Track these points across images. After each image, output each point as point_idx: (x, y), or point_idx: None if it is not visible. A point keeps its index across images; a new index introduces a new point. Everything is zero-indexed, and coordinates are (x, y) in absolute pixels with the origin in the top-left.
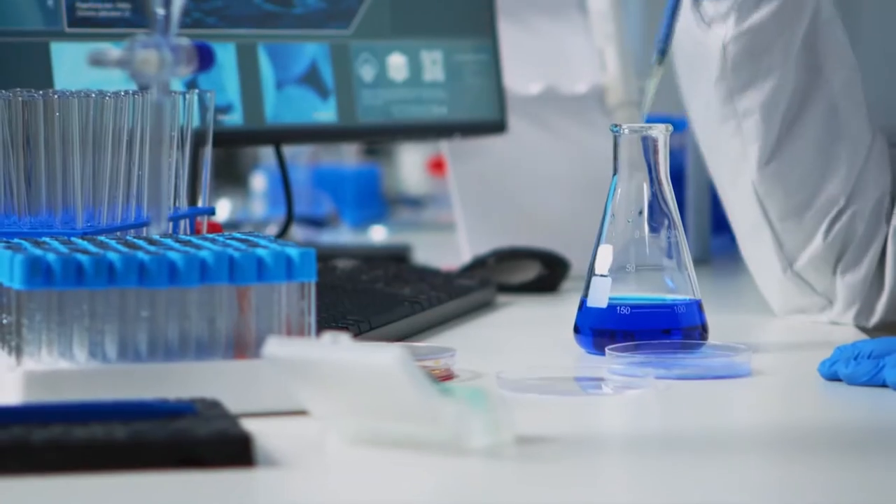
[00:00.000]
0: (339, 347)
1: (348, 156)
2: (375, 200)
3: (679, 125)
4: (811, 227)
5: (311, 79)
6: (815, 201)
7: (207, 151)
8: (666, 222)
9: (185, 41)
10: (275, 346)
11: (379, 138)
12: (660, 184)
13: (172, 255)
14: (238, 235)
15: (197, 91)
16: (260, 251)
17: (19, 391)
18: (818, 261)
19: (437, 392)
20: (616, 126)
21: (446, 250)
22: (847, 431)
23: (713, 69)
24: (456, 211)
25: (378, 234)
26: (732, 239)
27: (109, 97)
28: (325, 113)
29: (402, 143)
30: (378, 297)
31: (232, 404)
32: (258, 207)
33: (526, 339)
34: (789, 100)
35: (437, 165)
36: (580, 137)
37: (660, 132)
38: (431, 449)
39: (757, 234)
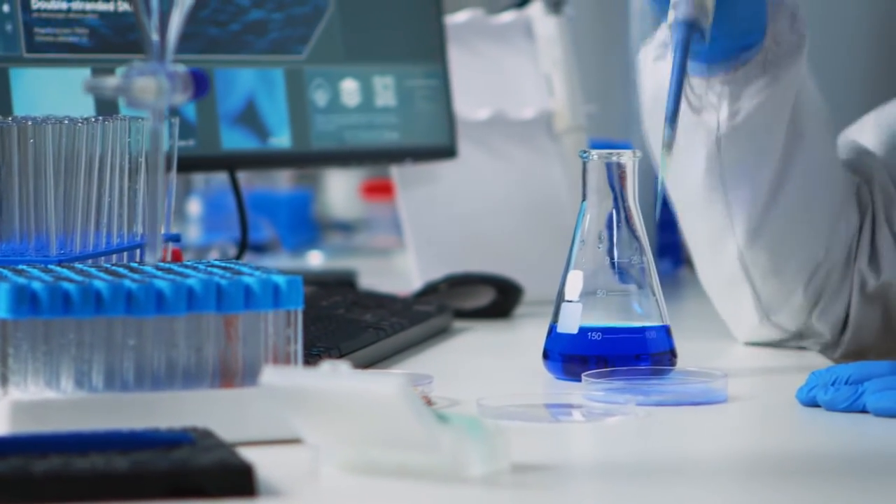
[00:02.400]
0: (338, 376)
1: (281, 180)
2: (308, 225)
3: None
4: (793, 284)
5: (248, 117)
6: (798, 260)
7: (172, 177)
8: (635, 247)
9: (181, 68)
10: (272, 375)
11: (332, 164)
12: (628, 210)
13: (159, 283)
14: (217, 262)
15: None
16: (247, 279)
17: (6, 421)
18: (796, 311)
19: (437, 421)
20: (585, 152)
21: (390, 275)
22: (830, 458)
23: (700, 151)
24: (406, 236)
25: (315, 260)
26: (674, 263)
27: (81, 123)
28: (280, 139)
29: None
30: (341, 323)
31: (219, 433)
32: (194, 233)
33: (492, 365)
34: (775, 167)
35: (370, 190)
36: (528, 162)
37: (627, 158)
38: (429, 478)
39: (735, 291)
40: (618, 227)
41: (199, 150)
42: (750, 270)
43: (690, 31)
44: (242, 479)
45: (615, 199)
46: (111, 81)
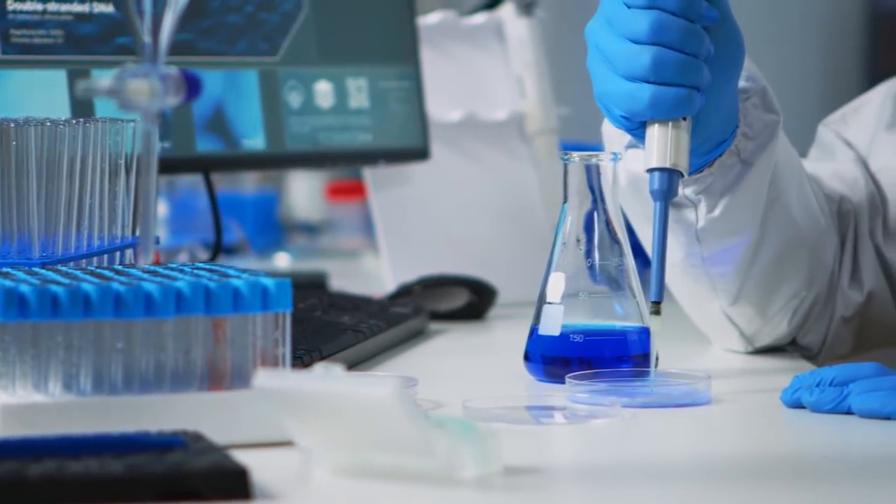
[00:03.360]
0: (332, 379)
1: (246, 181)
2: (274, 227)
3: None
4: (778, 321)
5: (216, 125)
6: (782, 301)
7: (152, 180)
8: (615, 249)
9: (173, 70)
10: (265, 378)
11: (306, 166)
12: (608, 212)
13: (148, 285)
14: (202, 265)
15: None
16: (235, 281)
17: None
18: (782, 338)
19: (432, 424)
20: (566, 154)
21: (359, 277)
22: (815, 460)
23: (680, 240)
24: (378, 238)
25: (283, 261)
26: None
27: (63, 125)
28: (254, 140)
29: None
30: (320, 325)
31: (208, 436)
32: (160, 234)
33: (472, 367)
34: (755, 238)
35: (335, 192)
36: (500, 164)
37: (608, 160)
38: (422, 480)
39: (723, 332)
40: (598, 228)
41: (173, 153)
42: (735, 319)
43: (671, 180)
44: (238, 482)
45: (595, 201)
46: (104, 83)
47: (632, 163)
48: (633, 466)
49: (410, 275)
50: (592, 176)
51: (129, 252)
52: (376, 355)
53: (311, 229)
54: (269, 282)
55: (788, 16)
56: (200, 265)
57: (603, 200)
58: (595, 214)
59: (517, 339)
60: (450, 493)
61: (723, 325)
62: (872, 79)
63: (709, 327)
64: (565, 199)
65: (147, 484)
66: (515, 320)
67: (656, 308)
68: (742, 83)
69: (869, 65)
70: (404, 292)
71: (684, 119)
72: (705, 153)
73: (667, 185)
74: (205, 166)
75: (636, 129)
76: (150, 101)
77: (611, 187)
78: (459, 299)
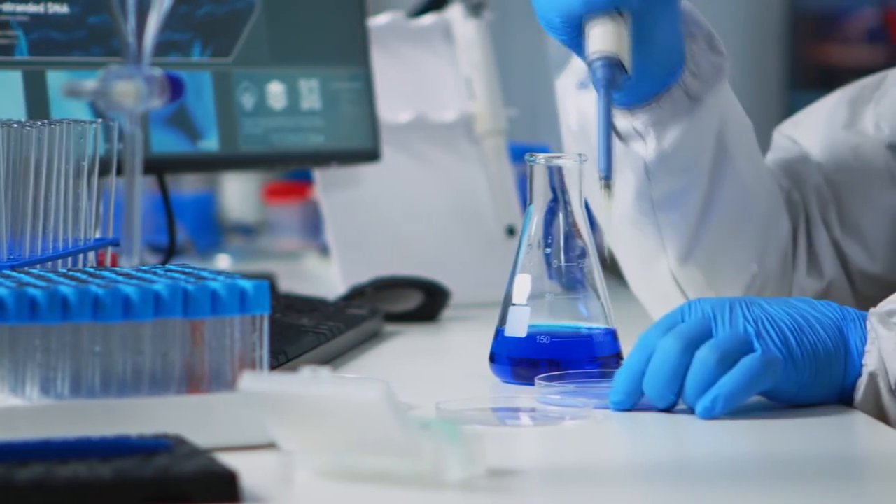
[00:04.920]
0: (319, 382)
1: (184, 182)
2: (212, 228)
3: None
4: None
5: (178, 120)
6: (732, 274)
7: (111, 181)
8: (580, 251)
9: (157, 72)
10: (251, 381)
11: (259, 167)
12: (573, 213)
13: (126, 288)
14: (174, 267)
15: (101, 120)
16: (213, 284)
17: None
18: None
19: (419, 426)
20: (532, 156)
21: (303, 279)
22: (790, 459)
23: (631, 181)
24: (329, 240)
25: (224, 263)
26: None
27: (29, 127)
28: (208, 142)
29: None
30: (280, 327)
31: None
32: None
33: (435, 368)
34: (703, 188)
35: (273, 192)
36: (449, 165)
37: (572, 162)
38: (407, 483)
39: (667, 301)
40: (563, 230)
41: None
42: (684, 288)
43: (612, 68)
44: (227, 485)
45: (560, 202)
46: (90, 85)
47: (583, 104)
48: (615, 467)
49: (361, 276)
50: (557, 177)
51: (90, 255)
52: (336, 357)
53: (247, 230)
54: (246, 284)
55: (709, 15)
56: (172, 267)
57: (567, 202)
58: (560, 216)
59: (474, 340)
60: (435, 495)
61: (668, 292)
62: (794, 79)
63: (653, 297)
64: (530, 201)
65: (136, 488)
66: (469, 321)
67: (607, 183)
68: (687, 28)
69: (790, 64)
70: (356, 294)
71: (621, 15)
72: (653, 81)
73: (609, 74)
74: (159, 168)
75: (576, 37)
76: (136, 102)
77: (576, 189)
78: (412, 301)
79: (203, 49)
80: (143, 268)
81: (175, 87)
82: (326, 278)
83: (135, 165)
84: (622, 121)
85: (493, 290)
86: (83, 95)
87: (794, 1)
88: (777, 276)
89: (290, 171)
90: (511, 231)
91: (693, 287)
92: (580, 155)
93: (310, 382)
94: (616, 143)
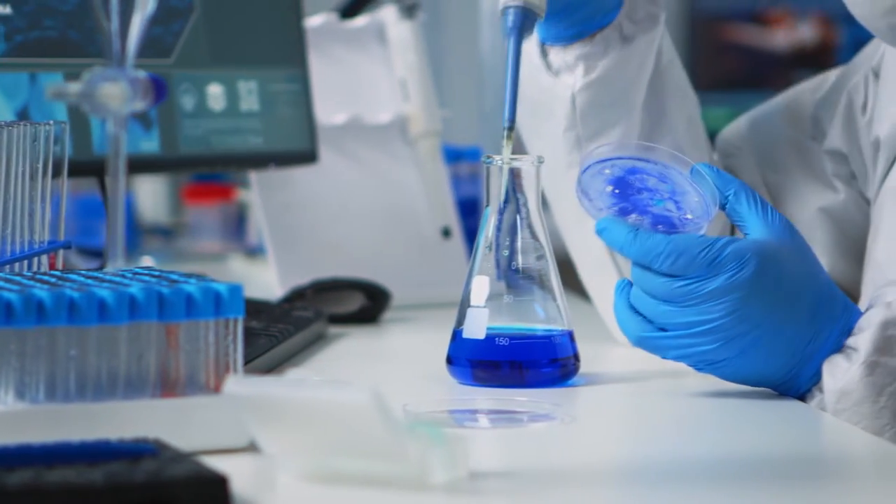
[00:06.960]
0: (305, 385)
1: None
2: (132, 230)
3: (475, 154)
4: None
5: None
6: None
7: (63, 183)
8: (537, 252)
9: (141, 74)
10: (236, 385)
11: (199, 168)
12: (529, 215)
13: (101, 292)
14: (141, 270)
15: (53, 122)
16: (188, 287)
17: None
18: None
19: (405, 429)
20: (488, 157)
21: (232, 280)
22: (762, 457)
23: (560, 118)
24: (266, 242)
25: (148, 265)
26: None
27: None
28: (149, 143)
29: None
30: None
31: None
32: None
33: (387, 370)
34: (635, 135)
35: (192, 193)
36: (384, 167)
37: (528, 164)
38: (394, 485)
39: (601, 270)
40: (520, 232)
41: (71, 155)
42: (615, 256)
43: (523, 15)
44: (217, 490)
45: (514, 203)
46: (75, 87)
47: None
48: (597, 467)
49: (298, 278)
50: (514, 179)
51: (44, 258)
52: (288, 359)
53: (165, 232)
54: (221, 287)
55: None
56: (139, 270)
57: (525, 203)
58: (517, 218)
59: (418, 341)
60: (420, 497)
61: (603, 261)
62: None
63: (588, 266)
64: (487, 203)
65: (127, 493)
66: (410, 323)
67: (508, 133)
68: None
69: (688, 67)
70: (296, 296)
71: None
72: (590, 21)
73: (519, 20)
74: (101, 170)
75: None
76: (122, 104)
77: (533, 190)
78: (354, 303)
79: (143, 50)
80: (111, 270)
81: (158, 89)
82: (256, 280)
83: (118, 167)
84: (556, 55)
85: (430, 291)
86: (68, 98)
87: (692, 2)
88: None
89: (207, 173)
90: (446, 232)
91: (623, 258)
92: (539, 157)
93: (296, 385)
94: (547, 77)
